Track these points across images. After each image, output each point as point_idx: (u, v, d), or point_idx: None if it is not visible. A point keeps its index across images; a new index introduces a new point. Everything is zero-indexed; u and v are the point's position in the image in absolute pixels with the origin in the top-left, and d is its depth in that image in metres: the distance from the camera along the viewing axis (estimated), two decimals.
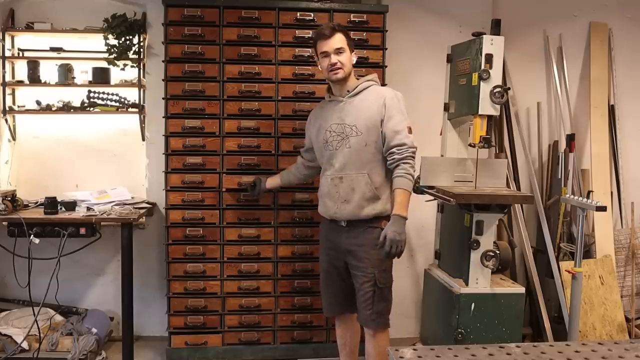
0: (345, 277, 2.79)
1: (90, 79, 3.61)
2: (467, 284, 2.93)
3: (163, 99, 3.33)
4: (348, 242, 2.71)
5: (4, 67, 3.58)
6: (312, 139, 2.86)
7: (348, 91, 2.72)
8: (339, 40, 2.65)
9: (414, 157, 2.61)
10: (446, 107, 3.31)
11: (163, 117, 3.34)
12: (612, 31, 4.03)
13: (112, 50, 3.57)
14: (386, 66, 3.42)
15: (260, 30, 3.33)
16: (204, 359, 3.40)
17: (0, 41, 3.55)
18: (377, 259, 2.63)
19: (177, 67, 3.31)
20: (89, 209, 3.33)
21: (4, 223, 3.19)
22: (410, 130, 2.63)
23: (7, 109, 3.60)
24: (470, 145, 3.04)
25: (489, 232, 2.89)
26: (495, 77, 2.86)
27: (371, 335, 2.75)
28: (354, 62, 2.74)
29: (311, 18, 3.35)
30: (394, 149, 2.60)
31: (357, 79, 2.76)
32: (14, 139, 3.71)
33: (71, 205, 3.31)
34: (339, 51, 2.64)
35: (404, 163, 2.58)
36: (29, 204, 3.47)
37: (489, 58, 2.86)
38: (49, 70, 3.63)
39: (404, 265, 3.86)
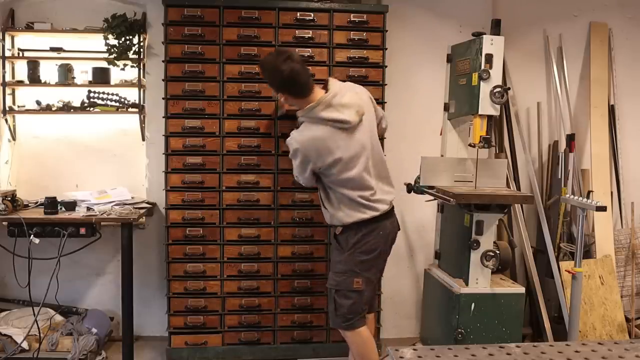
0: None
1: (90, 79, 3.61)
2: (467, 284, 2.93)
3: (163, 99, 3.33)
4: None
5: (4, 67, 3.57)
6: None
7: None
8: None
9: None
10: (446, 107, 3.31)
11: (163, 117, 3.34)
12: (612, 31, 4.03)
13: (112, 50, 3.57)
14: (386, 66, 3.42)
15: (260, 30, 3.33)
16: (204, 359, 3.40)
17: (0, 41, 3.56)
18: (333, 260, 2.85)
19: (177, 67, 3.31)
20: (89, 209, 3.33)
21: (4, 223, 3.19)
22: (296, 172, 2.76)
23: (7, 109, 3.59)
24: (470, 145, 3.05)
25: (489, 232, 2.89)
26: (495, 77, 2.87)
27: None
28: (278, 98, 2.82)
29: (311, 18, 3.35)
30: None
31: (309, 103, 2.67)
32: (14, 139, 3.71)
33: (71, 205, 3.32)
34: None
35: None
36: (29, 204, 3.47)
37: (489, 58, 2.86)
38: (49, 70, 3.63)
39: (404, 265, 3.86)
